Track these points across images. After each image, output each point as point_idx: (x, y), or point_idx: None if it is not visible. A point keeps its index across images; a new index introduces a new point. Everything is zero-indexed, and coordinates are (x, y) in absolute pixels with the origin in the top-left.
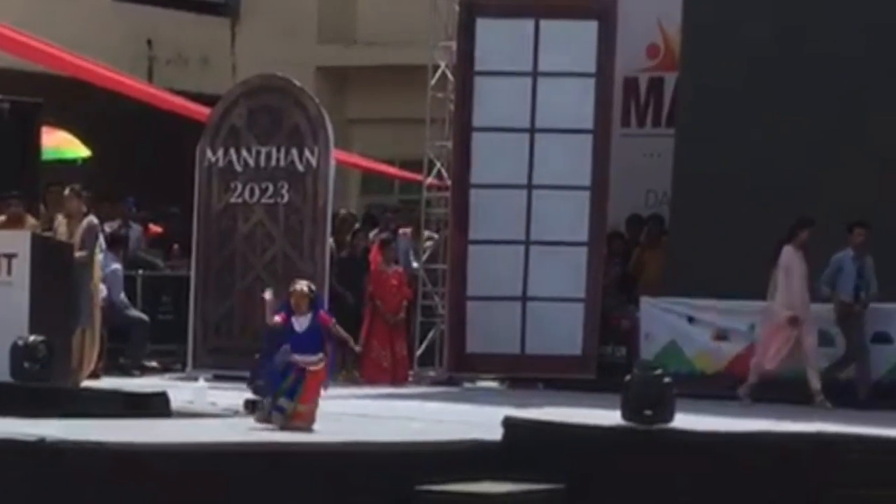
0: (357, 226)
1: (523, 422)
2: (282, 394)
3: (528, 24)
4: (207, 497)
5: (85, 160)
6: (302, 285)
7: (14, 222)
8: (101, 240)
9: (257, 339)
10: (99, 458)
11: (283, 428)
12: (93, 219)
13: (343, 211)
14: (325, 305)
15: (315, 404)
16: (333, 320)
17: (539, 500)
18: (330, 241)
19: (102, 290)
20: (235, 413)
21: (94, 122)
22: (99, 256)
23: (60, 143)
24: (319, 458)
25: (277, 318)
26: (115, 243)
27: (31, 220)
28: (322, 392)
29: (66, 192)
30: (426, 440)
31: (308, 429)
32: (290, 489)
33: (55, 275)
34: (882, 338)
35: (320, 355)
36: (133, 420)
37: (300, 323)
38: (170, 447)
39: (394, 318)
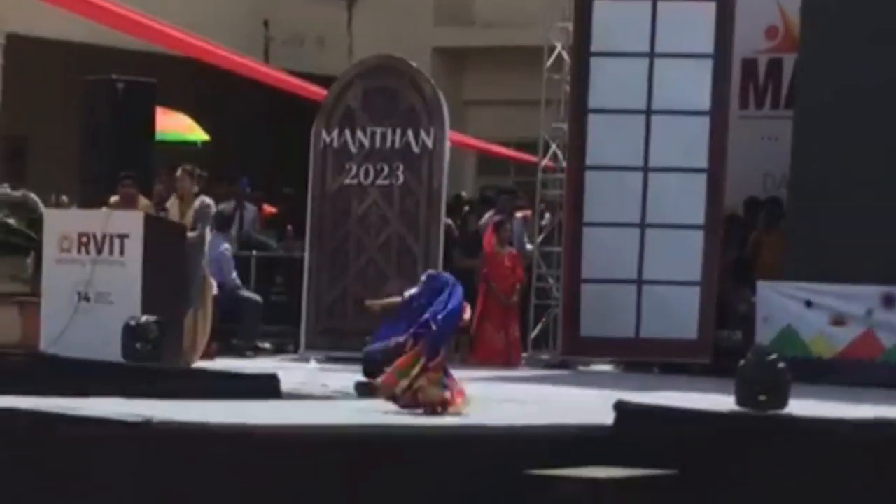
0: (467, 208)
1: (635, 406)
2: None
3: (646, 6)
4: (315, 480)
5: (205, 143)
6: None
7: (127, 203)
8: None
9: (370, 321)
10: (205, 439)
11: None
12: (205, 199)
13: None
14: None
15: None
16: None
17: (650, 486)
18: (448, 220)
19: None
20: (346, 395)
21: (210, 102)
22: (208, 237)
23: (181, 127)
24: (429, 441)
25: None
26: (225, 224)
27: (144, 201)
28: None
29: (179, 172)
30: (537, 424)
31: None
32: (398, 472)
33: (167, 255)
34: None
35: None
36: (242, 402)
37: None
38: (278, 429)
39: (507, 300)
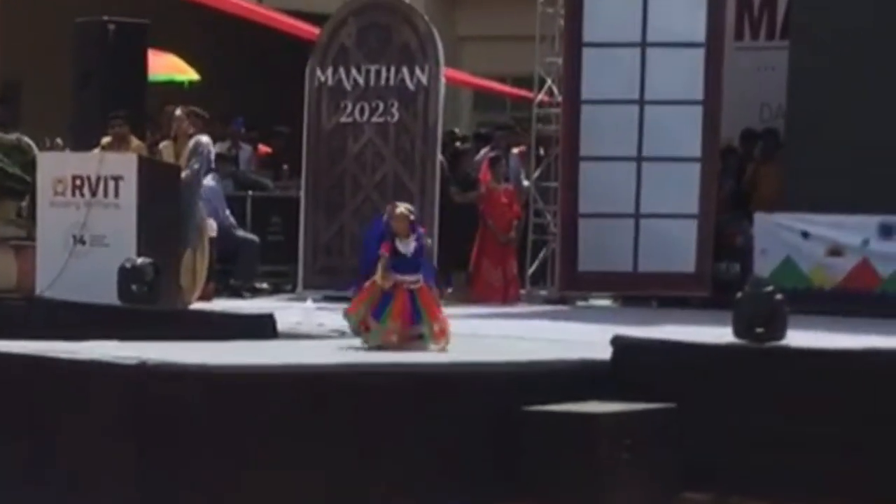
0: (458, 144)
1: (632, 340)
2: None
3: None
4: (311, 420)
5: (192, 83)
6: (402, 208)
7: (119, 142)
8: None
9: None
10: (200, 380)
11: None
12: (201, 137)
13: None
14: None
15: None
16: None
17: (649, 420)
18: (441, 158)
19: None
20: (343, 334)
21: (203, 43)
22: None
23: (170, 67)
24: (425, 378)
25: (383, 251)
26: (225, 165)
27: (135, 142)
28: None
29: (178, 111)
30: (534, 360)
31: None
32: (395, 410)
33: (162, 196)
34: None
35: (420, 275)
36: (238, 342)
37: (405, 246)
38: (272, 369)
39: (504, 236)
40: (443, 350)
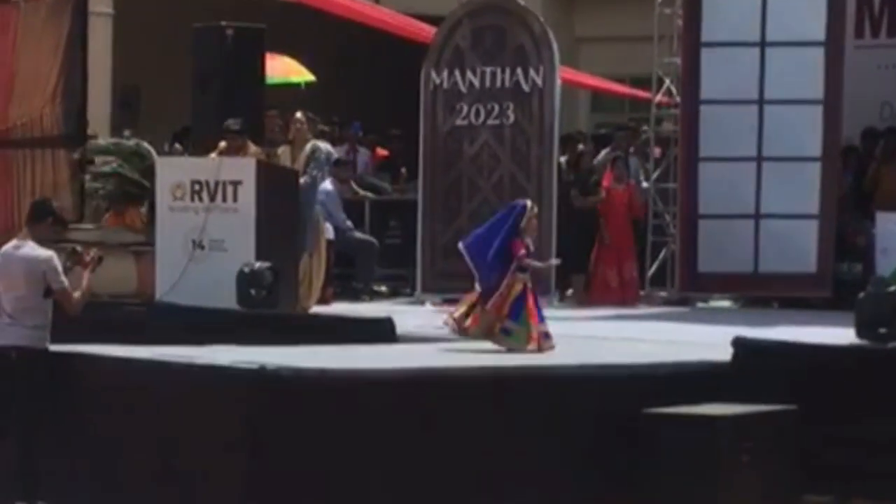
0: (581, 146)
1: (754, 342)
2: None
3: None
4: (430, 423)
5: (308, 84)
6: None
7: (235, 152)
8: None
9: None
10: (321, 385)
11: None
12: (318, 143)
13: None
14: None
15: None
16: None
17: (771, 422)
18: (561, 159)
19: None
20: (461, 337)
21: (319, 47)
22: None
23: (286, 70)
24: (546, 381)
25: (523, 251)
26: (342, 170)
27: (253, 148)
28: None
29: (298, 115)
30: (654, 362)
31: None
32: (515, 413)
33: (280, 201)
34: None
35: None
36: (358, 346)
37: (533, 242)
38: (393, 373)
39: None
40: (538, 352)
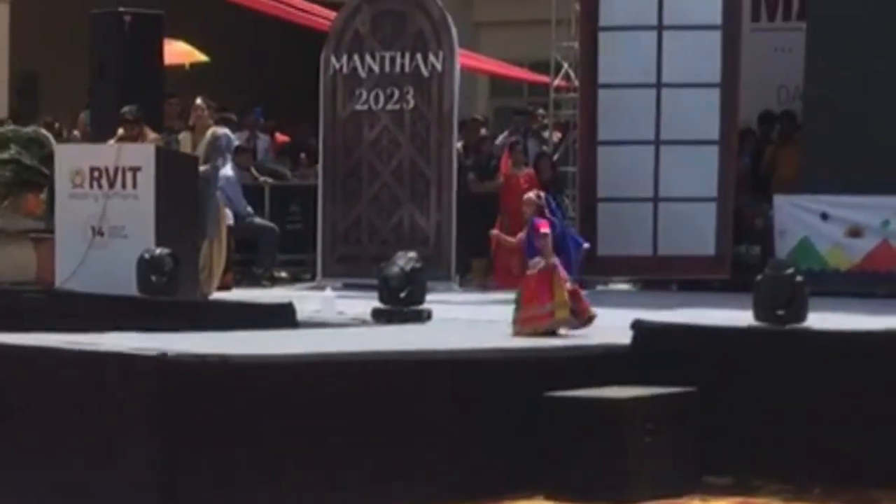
0: (484, 131)
1: (652, 325)
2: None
3: None
4: (333, 408)
5: (197, 65)
6: (531, 194)
7: (134, 137)
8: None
9: (385, 247)
10: (223, 371)
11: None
12: (218, 129)
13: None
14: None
15: (538, 307)
16: (545, 232)
17: (670, 405)
18: (458, 145)
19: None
20: (363, 322)
21: (217, 32)
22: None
23: (181, 55)
24: (446, 365)
25: (521, 236)
26: (244, 158)
27: (151, 134)
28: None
29: (198, 101)
30: (554, 345)
31: (534, 332)
32: (415, 397)
33: (180, 187)
34: None
35: (536, 259)
36: (258, 332)
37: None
38: (295, 358)
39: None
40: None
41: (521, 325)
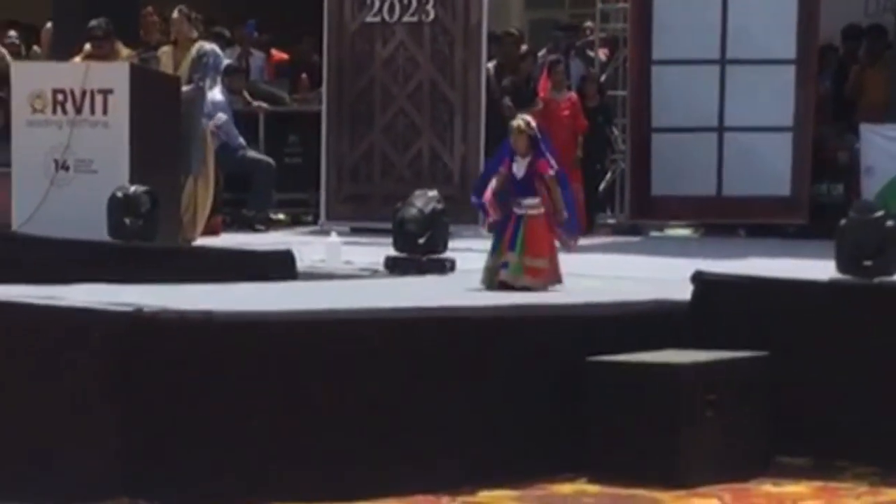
0: (524, 47)
1: (718, 277)
2: (502, 250)
3: None
4: (337, 376)
5: None
6: (519, 120)
7: (104, 55)
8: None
9: (400, 185)
10: (206, 330)
11: (514, 286)
12: (205, 45)
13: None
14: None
15: (548, 257)
16: (552, 173)
17: (736, 372)
18: (489, 65)
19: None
20: (375, 273)
21: None
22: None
23: None
24: (473, 324)
25: (502, 169)
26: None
27: (125, 51)
28: (570, 244)
29: (175, 14)
30: (600, 301)
31: (544, 287)
32: (435, 363)
33: (159, 114)
34: None
35: (537, 199)
36: (251, 284)
37: (519, 167)
38: (291, 315)
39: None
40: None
41: (531, 276)
